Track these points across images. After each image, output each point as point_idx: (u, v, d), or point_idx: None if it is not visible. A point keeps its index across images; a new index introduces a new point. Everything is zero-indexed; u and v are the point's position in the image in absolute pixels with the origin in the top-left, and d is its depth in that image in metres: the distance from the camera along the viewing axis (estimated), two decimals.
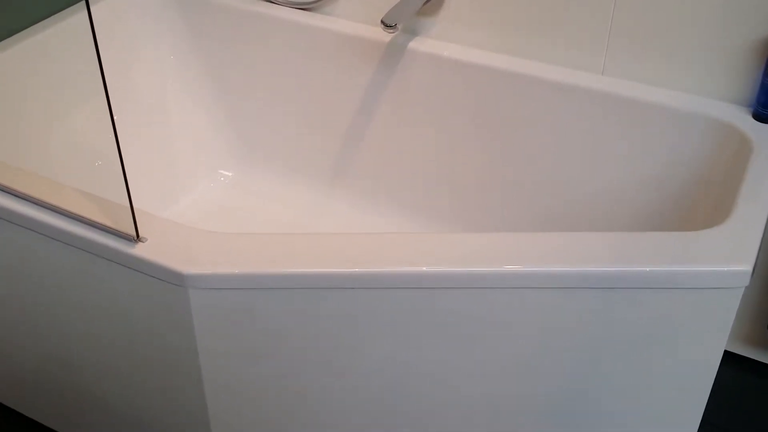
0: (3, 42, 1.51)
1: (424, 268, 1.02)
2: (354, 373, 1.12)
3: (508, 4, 1.46)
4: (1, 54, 1.48)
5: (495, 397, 1.14)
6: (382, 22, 1.41)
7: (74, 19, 1.61)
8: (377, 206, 1.73)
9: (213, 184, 1.81)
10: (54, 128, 1.55)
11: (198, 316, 1.07)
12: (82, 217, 1.08)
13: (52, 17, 1.60)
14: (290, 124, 1.76)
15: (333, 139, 1.72)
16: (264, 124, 1.79)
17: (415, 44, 1.55)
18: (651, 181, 1.43)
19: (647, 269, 1.02)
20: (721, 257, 1.04)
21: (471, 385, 1.12)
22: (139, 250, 1.05)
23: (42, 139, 1.52)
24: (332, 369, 1.12)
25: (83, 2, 1.66)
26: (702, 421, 1.18)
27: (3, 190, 1.15)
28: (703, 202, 1.35)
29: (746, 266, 1.03)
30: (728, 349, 1.58)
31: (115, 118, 1.68)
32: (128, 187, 1.01)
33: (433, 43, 1.54)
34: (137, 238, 1.05)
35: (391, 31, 1.41)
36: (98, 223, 1.08)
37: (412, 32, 1.57)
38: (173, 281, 1.04)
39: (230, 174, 1.83)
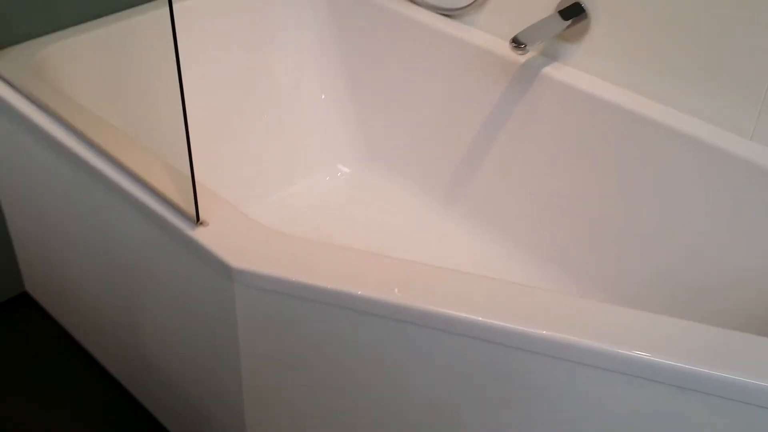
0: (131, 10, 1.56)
1: (486, 320, 0.94)
2: (387, 401, 1.05)
3: (656, 44, 1.32)
4: (134, 19, 1.53)
5: None
6: (513, 39, 1.32)
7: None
8: (482, 231, 1.63)
9: (329, 177, 1.79)
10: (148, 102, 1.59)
11: (242, 313, 1.04)
12: (154, 187, 1.09)
13: None
14: (414, 131, 1.70)
15: (452, 154, 1.65)
16: (390, 126, 1.74)
17: (551, 69, 1.44)
18: None
19: (725, 375, 0.88)
20: None
21: None
22: (196, 233, 1.04)
23: (140, 109, 1.55)
24: (367, 395, 1.06)
25: None
26: None
27: (86, 141, 1.18)
28: None
29: None
30: None
31: (247, 95, 1.70)
32: (193, 170, 0.99)
33: (570, 71, 1.43)
34: (197, 221, 1.04)
35: (521, 52, 1.32)
36: (167, 198, 1.07)
37: (552, 56, 1.47)
38: (222, 273, 1.02)
39: (348, 171, 1.80)
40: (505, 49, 1.49)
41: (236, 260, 1.00)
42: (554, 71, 1.44)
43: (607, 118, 1.39)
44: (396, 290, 0.96)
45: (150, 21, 1.55)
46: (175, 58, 0.91)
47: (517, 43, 1.31)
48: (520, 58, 1.47)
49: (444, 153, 1.66)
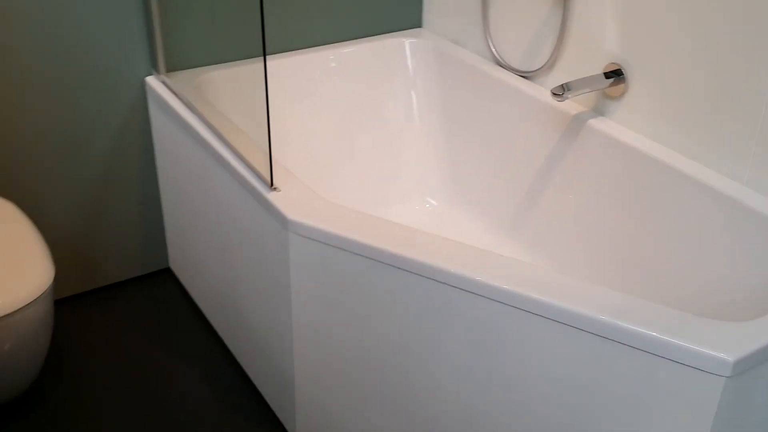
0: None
1: (465, 273, 1.23)
2: (394, 335, 1.35)
3: (676, 101, 1.57)
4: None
5: (491, 409, 1.28)
6: (553, 88, 1.62)
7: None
8: (534, 256, 1.89)
9: (418, 207, 2.13)
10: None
11: (294, 257, 1.39)
12: (251, 166, 1.48)
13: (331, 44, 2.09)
14: (490, 172, 2.01)
15: (517, 193, 1.94)
16: (473, 168, 2.06)
17: (595, 122, 1.71)
18: None
19: (631, 327, 1.11)
20: (712, 342, 1.08)
21: (463, 384, 1.28)
22: (269, 195, 1.41)
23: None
24: (379, 330, 1.36)
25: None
26: None
27: (218, 137, 1.61)
28: None
29: (729, 356, 1.06)
30: None
31: (361, 130, 2.09)
32: (270, 146, 1.37)
33: (610, 124, 1.70)
34: (272, 187, 1.41)
35: (559, 99, 1.61)
36: (257, 172, 1.46)
37: (599, 111, 1.74)
38: (281, 223, 1.38)
39: (435, 203, 2.13)
40: (563, 104, 1.78)
41: (291, 213, 1.36)
42: (597, 123, 1.71)
43: (636, 165, 1.63)
44: (399, 246, 1.28)
45: (278, 64, 2.00)
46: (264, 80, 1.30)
47: (553, 92, 1.61)
48: (572, 112, 1.75)
49: (510, 191, 1.95)
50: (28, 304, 1.47)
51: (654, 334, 1.11)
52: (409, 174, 2.15)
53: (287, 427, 1.63)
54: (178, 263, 2.05)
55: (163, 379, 1.79)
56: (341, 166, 2.09)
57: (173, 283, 2.09)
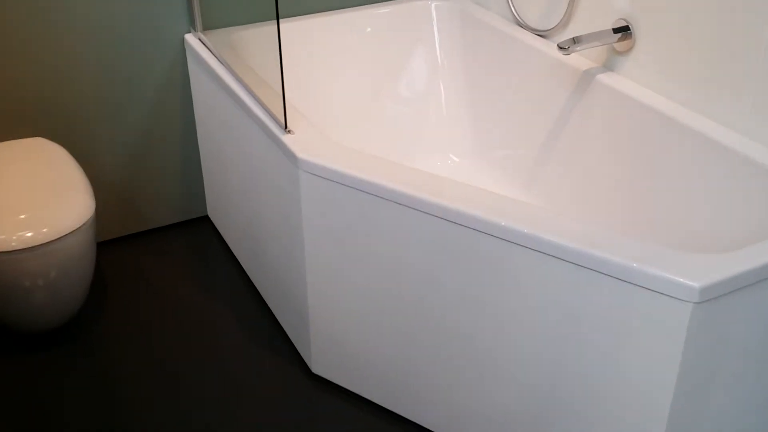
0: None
1: (458, 207, 1.33)
2: (394, 267, 1.46)
3: (681, 56, 1.62)
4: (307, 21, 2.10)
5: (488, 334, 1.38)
6: (560, 42, 1.69)
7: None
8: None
9: (440, 162, 2.22)
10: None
11: (305, 193, 1.50)
12: (270, 111, 1.60)
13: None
14: (508, 129, 2.09)
15: (534, 148, 2.01)
16: (493, 124, 2.14)
17: (604, 77, 1.78)
18: None
19: (604, 255, 1.19)
20: (680, 270, 1.16)
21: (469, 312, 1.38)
22: (283, 137, 1.52)
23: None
24: (381, 264, 1.47)
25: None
26: None
27: (245, 88, 1.73)
28: None
29: (696, 282, 1.13)
30: None
31: (388, 91, 2.18)
32: (284, 92, 1.48)
33: (618, 78, 1.76)
34: (286, 129, 1.53)
35: (564, 53, 1.68)
36: (275, 117, 1.57)
37: (609, 67, 1.80)
38: (292, 161, 1.49)
39: (457, 160, 2.22)
40: (574, 61, 1.85)
41: (301, 152, 1.47)
42: (606, 78, 1.77)
43: (641, 118, 1.69)
44: (400, 184, 1.38)
45: (307, 24, 2.11)
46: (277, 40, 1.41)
47: (561, 45, 1.68)
48: (583, 67, 1.82)
49: (528, 148, 2.03)
50: (71, 232, 1.63)
51: (626, 262, 1.19)
52: (432, 131, 2.24)
53: (304, 357, 1.76)
54: (214, 210, 2.19)
55: (196, 316, 1.93)
56: (367, 123, 2.20)
57: (210, 230, 2.23)
